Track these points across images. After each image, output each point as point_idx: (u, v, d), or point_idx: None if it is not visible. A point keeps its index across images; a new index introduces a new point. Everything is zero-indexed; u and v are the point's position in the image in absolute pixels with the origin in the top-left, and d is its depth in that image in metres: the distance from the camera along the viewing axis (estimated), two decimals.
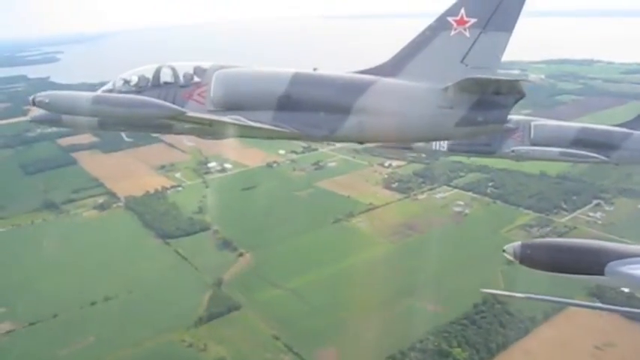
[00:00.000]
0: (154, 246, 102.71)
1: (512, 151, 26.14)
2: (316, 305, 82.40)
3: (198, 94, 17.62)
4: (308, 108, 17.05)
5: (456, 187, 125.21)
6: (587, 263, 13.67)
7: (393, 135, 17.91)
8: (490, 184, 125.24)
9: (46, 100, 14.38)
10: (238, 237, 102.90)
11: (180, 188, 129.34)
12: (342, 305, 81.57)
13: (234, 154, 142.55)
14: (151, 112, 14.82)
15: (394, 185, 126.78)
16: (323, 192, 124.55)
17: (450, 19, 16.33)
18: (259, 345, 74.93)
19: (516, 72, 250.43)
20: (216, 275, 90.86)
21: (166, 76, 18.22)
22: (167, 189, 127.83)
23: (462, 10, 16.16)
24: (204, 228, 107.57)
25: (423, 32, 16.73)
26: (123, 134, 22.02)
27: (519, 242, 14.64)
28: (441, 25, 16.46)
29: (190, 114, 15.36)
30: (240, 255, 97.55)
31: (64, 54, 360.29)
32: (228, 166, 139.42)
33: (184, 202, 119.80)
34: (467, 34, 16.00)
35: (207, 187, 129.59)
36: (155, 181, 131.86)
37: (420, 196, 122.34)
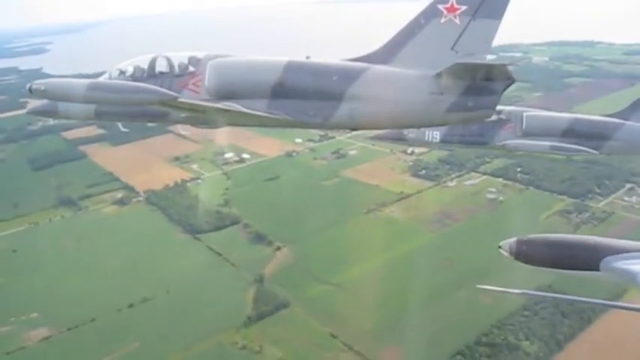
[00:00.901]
0: (184, 242, 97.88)
1: (504, 144, 25.92)
2: (367, 300, 78.63)
3: (193, 84, 17.76)
4: (301, 96, 17.17)
5: (484, 174, 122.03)
6: (582, 259, 13.80)
7: (385, 121, 18.17)
8: (518, 169, 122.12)
9: (42, 88, 14.49)
10: (271, 230, 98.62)
11: (199, 180, 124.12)
12: (395, 299, 78.12)
13: (249, 144, 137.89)
14: (144, 98, 14.88)
15: (421, 173, 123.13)
16: (349, 181, 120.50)
17: (440, 6, 16.48)
18: (316, 344, 71.15)
19: (518, 55, 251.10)
20: (256, 271, 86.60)
21: (162, 66, 18.38)
22: (186, 181, 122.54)
23: None
24: (234, 221, 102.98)
25: (414, 20, 16.85)
26: (119, 124, 20.57)
27: (514, 238, 14.65)
28: (431, 12, 16.60)
29: (182, 100, 15.56)
30: (277, 249, 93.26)
31: (53, 45, 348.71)
32: (246, 156, 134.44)
33: (207, 194, 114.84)
34: (457, 21, 16.14)
35: (228, 178, 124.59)
36: (172, 174, 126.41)
37: (450, 184, 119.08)
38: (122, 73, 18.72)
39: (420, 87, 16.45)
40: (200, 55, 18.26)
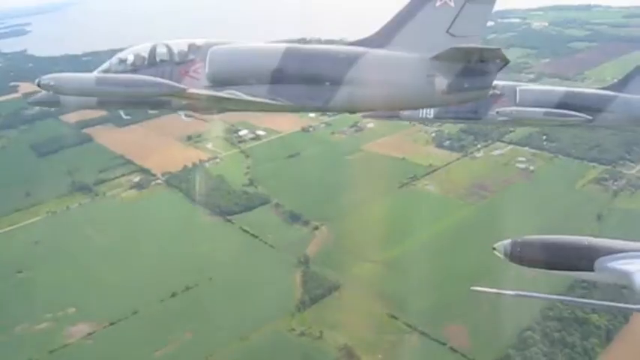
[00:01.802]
0: (215, 225, 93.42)
1: (497, 112, 25.83)
2: (420, 278, 75.17)
3: (194, 71, 17.90)
4: (301, 81, 17.33)
5: (510, 143, 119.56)
6: (576, 260, 14.02)
7: (383, 104, 18.58)
8: (544, 137, 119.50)
9: (51, 83, 14.71)
10: (304, 209, 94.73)
11: (217, 160, 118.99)
12: (448, 276, 75.21)
13: (260, 121, 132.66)
14: (153, 91, 15.25)
15: (446, 144, 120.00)
16: (373, 155, 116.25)
17: None
18: (377, 327, 68.23)
19: (516, 21, 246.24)
20: (298, 252, 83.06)
21: (162, 54, 18.44)
22: (204, 161, 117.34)
23: None
24: (264, 201, 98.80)
25: (410, 3, 17.08)
26: (121, 112, 21.81)
27: (509, 240, 14.84)
28: None
29: (191, 91, 15.76)
30: (315, 228, 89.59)
31: (32, 25, 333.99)
32: (261, 133, 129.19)
33: (229, 174, 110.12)
34: (452, 4, 16.39)
35: (246, 156, 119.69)
36: (187, 154, 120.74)
37: (477, 154, 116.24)
38: (122, 61, 18.70)
39: (417, 70, 16.66)
40: (199, 42, 18.32)
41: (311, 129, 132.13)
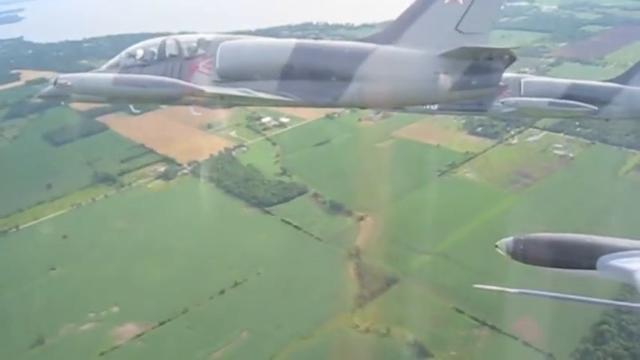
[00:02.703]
0: (254, 216, 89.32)
1: (502, 102, 25.95)
2: (479, 269, 71.20)
3: (204, 66, 17.70)
4: (311, 76, 17.24)
5: (543, 129, 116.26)
6: (579, 258, 14.03)
7: (392, 100, 18.63)
8: (577, 123, 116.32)
9: (69, 83, 14.86)
10: (344, 199, 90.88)
11: (244, 148, 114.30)
12: (507, 267, 71.44)
13: (281, 108, 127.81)
14: (172, 92, 15.44)
15: (478, 130, 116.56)
16: (405, 142, 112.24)
17: None
18: (444, 321, 64.81)
19: (524, 4, 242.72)
20: (347, 244, 79.39)
21: (171, 49, 18.19)
22: (231, 150, 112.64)
23: None
24: (301, 191, 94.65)
25: (419, 0, 17.00)
26: (131, 106, 20.80)
27: (512, 237, 14.91)
28: None
29: (209, 91, 15.98)
30: (361, 219, 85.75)
31: (26, 11, 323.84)
32: (285, 120, 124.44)
33: (260, 163, 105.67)
34: (460, 1, 16.29)
35: (273, 144, 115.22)
36: (210, 142, 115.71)
37: (512, 141, 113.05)
38: (132, 56, 18.40)
39: (426, 66, 16.56)
40: (209, 37, 18.16)
41: (336, 115, 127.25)
